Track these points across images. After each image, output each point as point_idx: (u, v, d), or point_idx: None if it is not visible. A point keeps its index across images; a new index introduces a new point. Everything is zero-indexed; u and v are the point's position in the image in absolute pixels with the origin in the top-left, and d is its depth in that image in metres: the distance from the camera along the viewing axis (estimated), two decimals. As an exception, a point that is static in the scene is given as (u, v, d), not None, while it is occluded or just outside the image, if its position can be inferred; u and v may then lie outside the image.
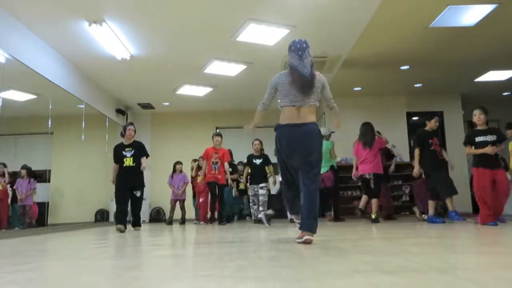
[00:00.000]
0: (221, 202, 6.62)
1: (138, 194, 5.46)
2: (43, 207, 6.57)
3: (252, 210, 6.95)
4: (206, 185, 6.78)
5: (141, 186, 5.52)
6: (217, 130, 8.83)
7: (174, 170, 7.75)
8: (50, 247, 3.32)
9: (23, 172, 6.20)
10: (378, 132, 6.72)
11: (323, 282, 1.33)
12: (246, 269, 1.69)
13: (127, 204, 5.40)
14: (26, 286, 1.44)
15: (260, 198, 6.78)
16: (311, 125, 2.90)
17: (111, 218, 8.63)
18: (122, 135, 5.58)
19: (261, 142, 7.03)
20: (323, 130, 6.86)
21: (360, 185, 6.24)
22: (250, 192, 6.98)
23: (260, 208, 6.66)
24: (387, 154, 6.95)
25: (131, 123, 5.69)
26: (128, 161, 5.38)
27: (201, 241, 3.44)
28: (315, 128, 2.93)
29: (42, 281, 1.59)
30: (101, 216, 8.49)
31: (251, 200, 6.92)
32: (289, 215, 6.52)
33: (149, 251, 2.58)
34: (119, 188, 5.35)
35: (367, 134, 6.06)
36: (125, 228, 5.21)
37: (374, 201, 5.84)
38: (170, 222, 7.53)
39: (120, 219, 5.22)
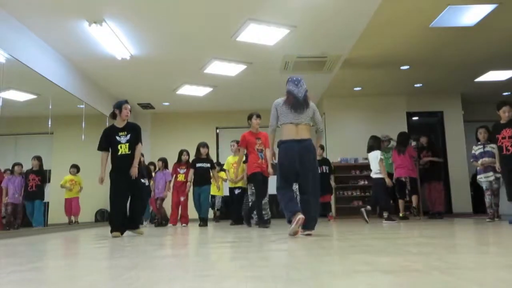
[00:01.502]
0: (265, 195, 5.81)
1: (146, 182, 4.61)
2: (43, 207, 6.56)
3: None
4: (250, 177, 5.75)
5: (143, 174, 4.57)
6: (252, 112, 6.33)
7: (159, 168, 7.42)
8: (50, 247, 3.32)
9: (17, 168, 5.98)
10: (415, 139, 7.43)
11: (323, 282, 1.33)
12: (246, 269, 1.69)
13: (126, 204, 4.41)
14: (26, 286, 1.44)
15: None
16: (308, 141, 3.60)
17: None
18: (114, 117, 4.53)
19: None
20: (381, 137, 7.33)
21: (396, 188, 6.74)
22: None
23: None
24: (433, 151, 7.24)
25: (126, 101, 4.61)
26: (124, 148, 4.35)
27: (201, 241, 3.44)
28: (311, 144, 3.63)
29: (42, 281, 1.59)
30: (101, 216, 8.48)
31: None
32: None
33: (149, 251, 2.58)
34: (116, 183, 4.31)
35: (401, 143, 6.73)
36: (122, 233, 4.36)
37: (401, 202, 6.59)
38: (160, 223, 7.12)
39: (117, 223, 4.29)
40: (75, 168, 7.28)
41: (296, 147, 3.53)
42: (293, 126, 3.59)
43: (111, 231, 4.28)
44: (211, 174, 6.78)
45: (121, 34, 5.70)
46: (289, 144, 3.55)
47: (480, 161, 5.51)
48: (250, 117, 5.77)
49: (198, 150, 6.75)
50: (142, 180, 4.53)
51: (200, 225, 6.51)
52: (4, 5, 4.88)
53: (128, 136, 4.40)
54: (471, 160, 5.83)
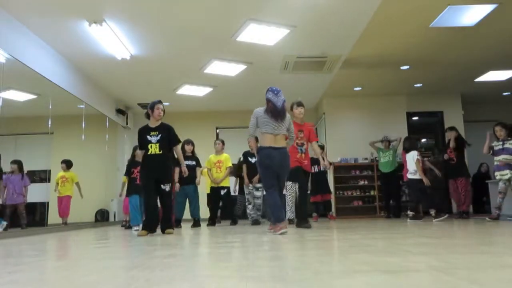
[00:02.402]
0: (304, 197, 5.20)
1: (167, 188, 4.44)
2: (43, 207, 6.56)
3: (247, 211, 6.63)
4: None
5: (169, 179, 4.51)
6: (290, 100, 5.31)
7: None
8: (50, 247, 3.32)
9: (14, 166, 5.84)
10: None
11: (323, 282, 1.33)
12: (246, 269, 1.69)
13: (156, 202, 4.46)
14: (26, 286, 1.44)
15: (256, 201, 6.50)
16: (284, 149, 4.14)
17: (111, 218, 8.63)
18: (148, 117, 4.64)
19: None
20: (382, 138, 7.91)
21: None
22: (245, 191, 6.65)
23: (258, 212, 6.52)
24: (460, 144, 6.92)
25: (160, 101, 4.68)
26: (154, 148, 4.41)
27: (201, 241, 3.44)
28: (287, 151, 4.19)
29: (42, 281, 1.59)
30: (101, 216, 8.49)
31: (246, 200, 6.66)
32: (287, 215, 6.52)
33: (149, 251, 2.58)
34: (145, 182, 4.43)
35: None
36: (152, 232, 4.39)
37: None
38: (129, 225, 6.39)
39: (150, 221, 4.36)
40: (65, 164, 6.91)
41: (276, 153, 4.04)
42: (272, 136, 4.06)
43: (142, 229, 4.37)
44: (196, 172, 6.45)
45: (121, 34, 5.70)
46: (269, 150, 4.05)
47: (499, 157, 5.50)
48: (291, 108, 5.09)
49: (182, 148, 6.40)
50: (162, 186, 4.48)
51: (192, 226, 6.27)
52: (4, 5, 4.88)
53: (159, 136, 4.46)
54: (490, 153, 5.81)
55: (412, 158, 6.12)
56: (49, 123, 6.28)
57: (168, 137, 4.52)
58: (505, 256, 1.90)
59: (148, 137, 4.45)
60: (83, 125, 7.48)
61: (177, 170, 6.32)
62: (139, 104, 9.35)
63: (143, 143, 4.49)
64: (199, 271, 1.69)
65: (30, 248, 3.12)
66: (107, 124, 8.42)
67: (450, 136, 6.86)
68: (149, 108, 4.59)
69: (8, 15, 5.05)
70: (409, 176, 6.18)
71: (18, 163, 5.95)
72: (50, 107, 6.30)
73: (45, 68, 5.90)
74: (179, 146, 4.60)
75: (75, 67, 6.85)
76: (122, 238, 4.00)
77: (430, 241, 2.69)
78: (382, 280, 1.34)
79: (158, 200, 4.51)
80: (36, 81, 5.81)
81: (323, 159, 5.49)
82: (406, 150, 6.37)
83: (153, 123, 4.57)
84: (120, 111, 8.89)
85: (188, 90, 8.28)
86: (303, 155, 5.01)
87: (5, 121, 5.24)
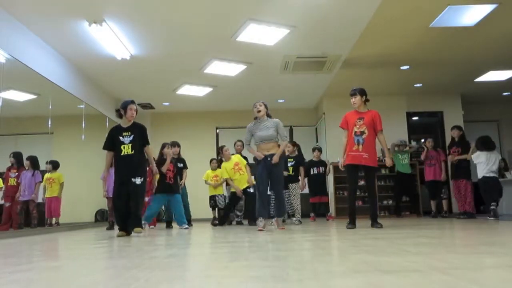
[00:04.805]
0: (373, 196, 4.69)
1: (137, 181, 4.22)
2: (43, 207, 6.55)
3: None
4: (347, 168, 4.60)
5: (140, 173, 4.30)
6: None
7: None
8: (50, 247, 3.32)
9: (27, 163, 5.82)
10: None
11: (323, 282, 1.33)
12: (246, 269, 1.69)
13: (125, 204, 4.28)
14: (26, 286, 1.44)
15: (239, 202, 6.53)
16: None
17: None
18: (120, 116, 4.49)
19: (242, 144, 6.55)
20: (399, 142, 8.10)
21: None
22: (226, 193, 6.69)
23: (238, 213, 6.55)
24: (463, 147, 6.87)
25: (133, 101, 4.49)
26: (126, 149, 4.27)
27: (201, 242, 3.44)
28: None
29: (42, 281, 1.59)
30: (101, 216, 8.48)
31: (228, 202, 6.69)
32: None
33: (149, 252, 2.58)
34: (117, 184, 4.28)
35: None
36: (129, 233, 4.31)
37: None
38: (112, 226, 6.18)
39: (119, 223, 4.31)
40: (50, 165, 6.64)
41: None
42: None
43: (120, 230, 4.31)
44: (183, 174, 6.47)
45: (121, 34, 5.70)
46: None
47: None
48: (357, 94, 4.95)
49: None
50: (133, 179, 4.27)
51: (186, 227, 5.98)
52: (4, 5, 4.89)
53: (132, 136, 4.33)
54: None
55: (496, 158, 6.18)
56: (49, 123, 6.28)
57: (141, 136, 4.39)
58: (505, 256, 1.90)
59: (121, 138, 4.32)
60: (83, 125, 7.48)
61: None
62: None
63: (115, 144, 4.34)
64: (199, 271, 1.69)
65: (30, 248, 3.12)
66: (107, 124, 8.42)
67: (454, 134, 6.93)
68: (122, 108, 4.44)
69: (8, 15, 5.06)
70: (492, 175, 6.16)
71: (31, 159, 5.92)
72: (50, 107, 6.30)
73: (45, 68, 5.91)
74: (149, 147, 4.48)
75: (75, 67, 6.85)
76: (122, 238, 4.00)
77: (430, 241, 2.69)
78: (382, 280, 1.34)
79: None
80: (36, 81, 5.81)
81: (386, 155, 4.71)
82: (483, 148, 6.27)
83: (125, 123, 4.44)
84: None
85: (188, 90, 8.28)
86: (360, 146, 4.42)
87: (5, 121, 5.24)
